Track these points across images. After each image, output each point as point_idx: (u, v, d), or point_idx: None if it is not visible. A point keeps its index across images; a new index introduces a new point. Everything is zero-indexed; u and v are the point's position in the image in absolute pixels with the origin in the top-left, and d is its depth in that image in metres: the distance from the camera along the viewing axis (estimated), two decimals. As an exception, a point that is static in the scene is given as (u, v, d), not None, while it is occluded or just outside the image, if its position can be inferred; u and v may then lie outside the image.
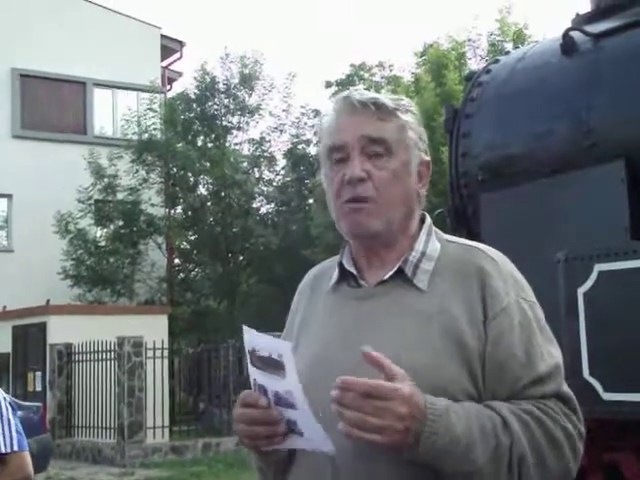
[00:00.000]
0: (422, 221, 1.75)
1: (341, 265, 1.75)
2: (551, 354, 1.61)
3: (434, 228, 1.75)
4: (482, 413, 1.49)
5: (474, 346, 1.57)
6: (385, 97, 1.70)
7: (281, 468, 1.72)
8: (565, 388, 1.60)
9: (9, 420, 3.09)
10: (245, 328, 1.55)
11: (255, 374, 1.55)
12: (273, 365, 1.49)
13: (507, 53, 5.83)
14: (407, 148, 1.68)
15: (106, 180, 19.57)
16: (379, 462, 1.52)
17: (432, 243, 1.70)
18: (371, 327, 1.63)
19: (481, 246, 1.71)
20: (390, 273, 1.67)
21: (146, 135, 19.97)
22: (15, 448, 3.04)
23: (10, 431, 3.06)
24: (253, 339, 1.53)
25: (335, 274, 1.76)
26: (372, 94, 1.69)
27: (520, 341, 1.58)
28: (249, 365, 1.56)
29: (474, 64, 19.05)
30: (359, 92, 1.70)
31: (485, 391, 1.56)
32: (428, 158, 1.73)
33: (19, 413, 11.05)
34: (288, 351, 1.46)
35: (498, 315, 1.59)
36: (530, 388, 1.56)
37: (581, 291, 4.10)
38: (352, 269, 1.73)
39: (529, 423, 1.51)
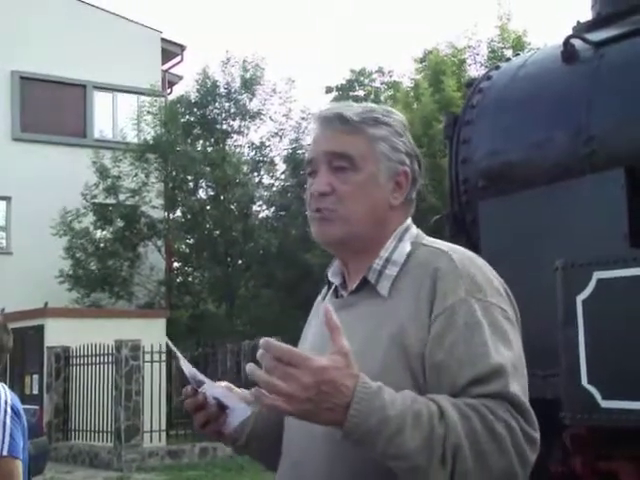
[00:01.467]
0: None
1: (327, 276, 1.82)
2: (499, 354, 1.54)
3: (414, 232, 1.75)
4: (420, 400, 1.47)
5: (417, 349, 1.57)
6: (354, 111, 1.72)
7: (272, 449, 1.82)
8: (513, 390, 1.51)
9: (4, 423, 2.96)
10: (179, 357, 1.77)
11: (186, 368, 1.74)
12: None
13: (507, 60, 5.84)
14: (375, 161, 1.70)
15: (109, 181, 19.61)
16: (322, 441, 1.58)
17: (400, 248, 1.70)
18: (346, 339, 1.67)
19: (447, 247, 1.69)
20: (357, 282, 1.71)
21: (148, 136, 20.00)
22: (4, 452, 2.88)
23: (3, 434, 2.93)
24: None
25: (326, 285, 1.84)
26: (340, 108, 1.73)
27: (461, 341, 1.54)
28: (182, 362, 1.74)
29: (474, 70, 19.09)
30: (330, 106, 1.76)
31: (427, 393, 1.54)
32: (405, 168, 1.73)
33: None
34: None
35: (440, 315, 1.58)
36: (470, 388, 1.51)
37: (580, 299, 4.10)
38: (335, 279, 1.79)
39: (470, 416, 1.46)
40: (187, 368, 1.71)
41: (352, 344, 1.58)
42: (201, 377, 1.71)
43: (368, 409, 1.42)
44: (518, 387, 1.53)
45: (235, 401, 1.69)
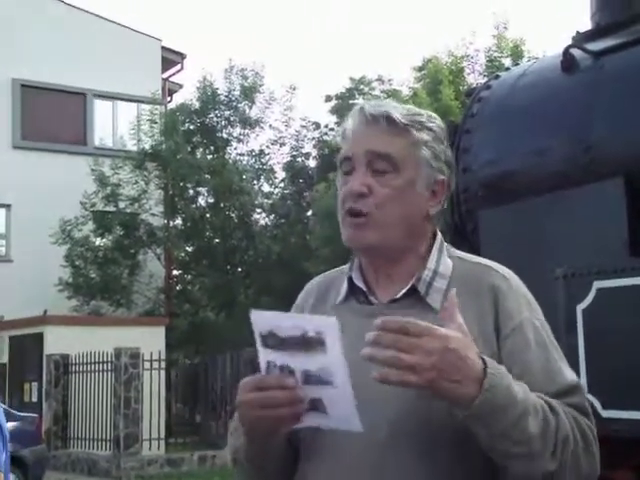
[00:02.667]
0: (434, 237, 1.74)
1: (350, 280, 1.73)
2: (570, 372, 1.62)
3: (445, 244, 1.73)
4: (530, 392, 1.49)
5: None
6: (400, 111, 1.66)
7: (281, 465, 1.67)
8: (587, 404, 1.59)
9: None
10: (255, 311, 1.51)
11: (271, 356, 1.49)
12: (304, 343, 1.43)
13: (507, 69, 5.85)
14: (416, 166, 1.65)
15: (109, 189, 19.63)
16: (411, 452, 1.52)
17: (444, 261, 1.68)
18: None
19: (492, 264, 1.71)
20: (403, 291, 1.65)
21: (147, 144, 20.03)
22: None
23: None
24: (270, 320, 1.49)
25: (343, 288, 1.74)
26: (387, 107, 1.67)
27: (536, 358, 1.58)
28: (261, 348, 1.49)
29: (472, 79, 19.14)
30: (375, 104, 1.69)
31: None
32: (444, 177, 1.69)
33: (14, 424, 10.92)
34: (332, 327, 1.42)
35: (512, 333, 1.59)
36: (556, 399, 1.54)
37: (580, 308, 4.10)
38: (362, 285, 1.71)
39: (568, 414, 1.51)
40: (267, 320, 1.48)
41: None
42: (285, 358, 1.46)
43: (500, 386, 1.42)
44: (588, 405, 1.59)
45: (345, 405, 1.46)
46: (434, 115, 1.74)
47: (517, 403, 1.42)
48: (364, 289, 1.70)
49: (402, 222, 1.64)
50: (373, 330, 1.51)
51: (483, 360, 1.43)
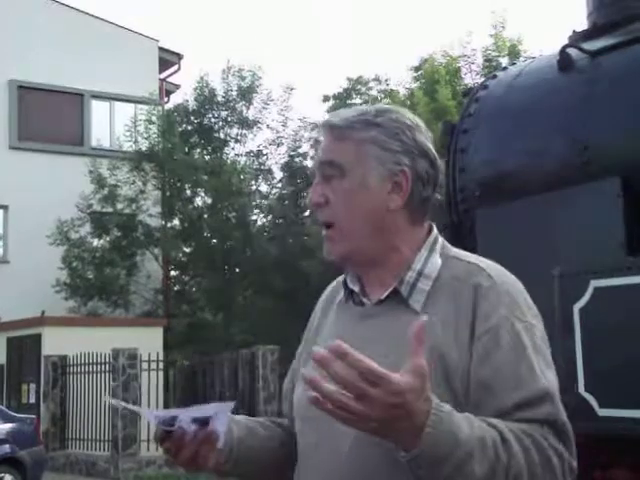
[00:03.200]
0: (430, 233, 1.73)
1: (345, 283, 1.76)
2: (546, 378, 1.53)
3: (440, 242, 1.71)
4: (482, 426, 1.43)
5: (457, 365, 1.54)
6: (343, 116, 1.69)
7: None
8: (562, 417, 1.51)
9: None
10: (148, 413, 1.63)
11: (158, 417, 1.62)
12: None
13: (504, 69, 5.85)
14: (364, 165, 1.65)
15: (106, 190, 19.62)
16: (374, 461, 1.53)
17: (432, 260, 1.66)
18: (367, 349, 1.59)
19: (483, 263, 1.66)
20: (386, 293, 1.66)
21: (145, 145, 20.03)
22: None
23: None
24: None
25: (342, 291, 1.78)
26: (332, 116, 1.71)
27: (506, 362, 1.52)
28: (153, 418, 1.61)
29: (469, 79, 19.15)
30: (330, 115, 1.74)
31: (467, 412, 1.50)
32: (403, 167, 1.65)
33: (12, 425, 10.96)
34: (226, 407, 1.56)
35: (484, 335, 1.55)
36: (518, 411, 1.48)
37: (577, 307, 4.11)
38: (355, 287, 1.73)
39: (528, 445, 1.44)
40: (152, 416, 1.60)
41: (388, 357, 1.54)
42: (170, 413, 1.59)
43: (441, 434, 1.35)
44: (563, 412, 1.51)
45: (212, 407, 1.58)
46: (388, 109, 1.72)
47: (460, 447, 1.36)
48: (356, 290, 1.72)
49: (363, 223, 1.65)
50: (361, 333, 1.59)
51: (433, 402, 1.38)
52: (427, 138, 1.71)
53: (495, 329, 1.55)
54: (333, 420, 1.38)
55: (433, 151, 1.71)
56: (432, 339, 1.55)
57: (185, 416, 1.57)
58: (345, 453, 1.55)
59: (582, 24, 5.30)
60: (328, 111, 25.70)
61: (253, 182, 22.34)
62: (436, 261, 1.66)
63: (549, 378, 1.54)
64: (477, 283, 1.60)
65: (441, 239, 1.72)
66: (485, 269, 1.63)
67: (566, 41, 5.11)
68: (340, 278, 1.88)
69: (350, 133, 1.66)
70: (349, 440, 1.54)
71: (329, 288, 1.90)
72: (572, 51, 4.85)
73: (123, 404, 1.75)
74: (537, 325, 1.62)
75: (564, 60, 4.83)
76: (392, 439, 1.37)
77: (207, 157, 21.68)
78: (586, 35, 5.08)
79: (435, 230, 1.72)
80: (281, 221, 22.81)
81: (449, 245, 1.73)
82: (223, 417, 1.58)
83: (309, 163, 23.95)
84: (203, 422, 1.57)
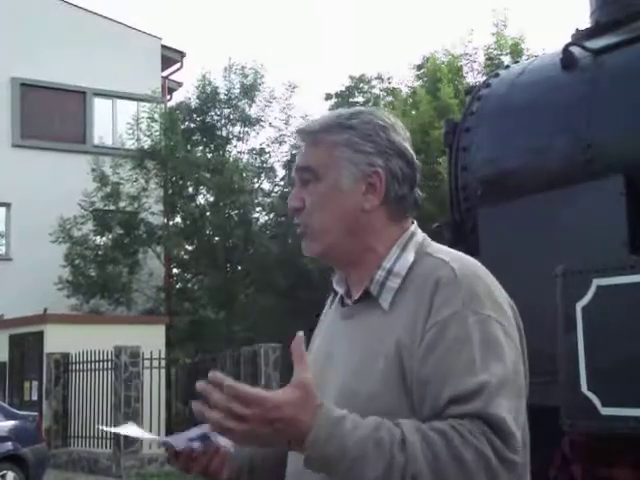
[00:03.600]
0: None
1: (332, 284, 1.81)
2: (486, 370, 1.48)
3: (419, 239, 1.70)
4: (384, 428, 1.43)
5: (411, 367, 1.53)
6: (317, 121, 1.74)
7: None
8: (493, 410, 1.44)
9: None
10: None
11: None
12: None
13: (507, 67, 5.85)
14: (337, 168, 1.67)
15: (109, 188, 19.64)
16: None
17: (403, 258, 1.66)
18: (343, 350, 1.67)
19: (449, 257, 1.63)
20: (359, 293, 1.69)
21: (147, 143, 20.04)
22: None
23: None
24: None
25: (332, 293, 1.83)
26: (304, 123, 1.81)
27: (448, 356, 1.49)
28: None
29: (471, 78, 19.14)
30: (308, 121, 1.83)
31: (417, 413, 1.51)
32: (377, 168, 1.66)
33: (15, 422, 10.91)
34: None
35: (431, 329, 1.53)
36: (449, 407, 1.46)
37: (579, 305, 4.10)
38: (340, 288, 1.77)
39: (435, 443, 1.41)
40: (159, 440, 1.70)
41: (352, 357, 1.60)
42: (174, 436, 1.70)
43: (326, 437, 1.41)
44: (504, 406, 1.46)
45: (204, 427, 1.65)
46: (360, 110, 1.73)
47: (348, 450, 1.40)
48: (341, 292, 1.76)
49: (337, 224, 1.67)
50: (339, 334, 1.67)
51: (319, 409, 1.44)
52: (404, 138, 1.71)
53: (443, 322, 1.52)
54: None
55: (410, 150, 1.72)
56: (394, 337, 1.56)
57: (189, 435, 1.67)
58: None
59: (585, 22, 5.30)
60: (330, 109, 25.71)
61: (255, 180, 22.34)
62: (407, 259, 1.65)
63: (493, 371, 1.48)
64: (438, 277, 1.58)
65: (421, 236, 1.71)
66: (449, 262, 1.60)
67: (569, 39, 5.11)
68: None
69: (323, 137, 1.70)
70: None
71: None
72: (575, 49, 4.85)
73: (138, 434, 1.85)
74: (498, 317, 1.55)
75: (567, 58, 4.83)
76: (284, 446, 1.47)
77: (209, 155, 21.68)
78: (589, 33, 5.08)
79: (412, 228, 1.71)
80: (283, 219, 22.81)
81: (430, 242, 1.71)
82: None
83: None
84: (204, 438, 1.66)
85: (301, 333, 1.48)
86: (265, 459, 1.81)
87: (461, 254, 1.68)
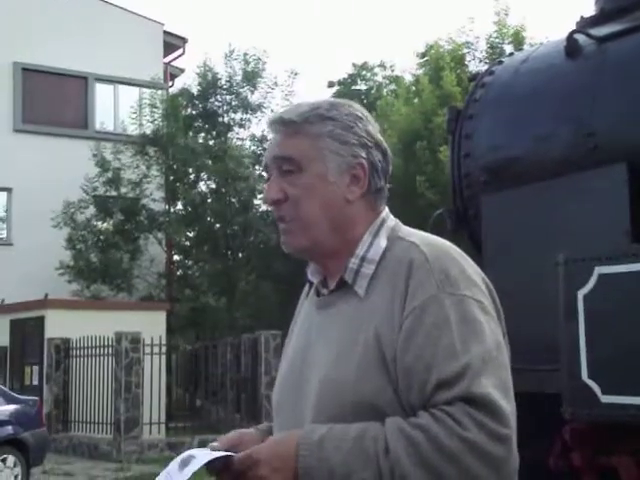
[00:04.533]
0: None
1: (307, 275, 1.80)
2: (467, 352, 1.49)
3: (390, 224, 1.70)
4: (367, 436, 1.46)
5: (392, 352, 1.53)
6: (295, 111, 1.69)
7: None
8: (475, 389, 1.46)
9: None
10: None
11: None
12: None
13: (510, 55, 5.83)
14: (322, 159, 1.66)
15: (110, 173, 19.63)
16: None
17: (376, 244, 1.66)
18: (321, 339, 1.66)
19: (419, 240, 1.63)
20: (335, 282, 1.68)
21: (149, 129, 20.00)
22: None
23: None
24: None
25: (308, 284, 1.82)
26: (280, 113, 1.72)
27: (429, 343, 1.50)
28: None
29: (473, 66, 19.07)
30: (280, 111, 1.75)
31: (402, 400, 1.51)
32: (360, 160, 1.67)
33: (15, 407, 10.92)
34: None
35: (409, 315, 1.53)
36: (436, 394, 1.47)
37: (581, 293, 4.10)
38: (315, 278, 1.76)
39: (418, 441, 1.44)
40: (209, 456, 1.62)
41: (331, 347, 1.60)
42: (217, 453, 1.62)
43: (312, 464, 1.47)
44: (487, 382, 1.47)
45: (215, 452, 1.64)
46: (339, 102, 1.73)
47: (336, 470, 1.46)
48: (316, 283, 1.76)
49: (323, 216, 1.65)
50: (316, 324, 1.69)
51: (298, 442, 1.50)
52: (377, 130, 1.73)
53: (420, 308, 1.53)
54: (299, 410, 1.59)
55: (384, 142, 1.73)
56: (372, 326, 1.56)
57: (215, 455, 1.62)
58: None
59: (589, 10, 5.28)
60: (334, 97, 25.66)
61: (257, 167, 22.32)
62: (379, 244, 1.66)
63: (473, 351, 1.49)
64: (410, 260, 1.58)
65: (393, 221, 1.71)
66: (419, 245, 1.60)
67: (572, 27, 5.09)
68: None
69: (305, 127, 1.67)
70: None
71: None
72: (579, 37, 4.83)
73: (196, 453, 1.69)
74: (474, 295, 1.56)
75: (571, 46, 4.81)
76: None
77: (211, 142, 21.65)
78: (593, 21, 5.06)
79: (383, 214, 1.72)
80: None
81: (402, 227, 1.71)
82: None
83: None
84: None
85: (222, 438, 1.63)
86: None
87: (432, 236, 1.68)
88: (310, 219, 1.65)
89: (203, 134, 22.02)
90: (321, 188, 1.65)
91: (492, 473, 1.44)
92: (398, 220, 1.73)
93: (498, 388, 1.48)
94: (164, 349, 15.39)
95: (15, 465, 10.43)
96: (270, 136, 1.75)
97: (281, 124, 1.69)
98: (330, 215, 1.65)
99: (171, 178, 20.74)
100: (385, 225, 1.69)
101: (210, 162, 20.37)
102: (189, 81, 22.65)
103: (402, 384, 1.51)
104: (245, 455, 1.50)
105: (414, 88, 19.64)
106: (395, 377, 1.51)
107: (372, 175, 1.68)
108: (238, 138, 22.13)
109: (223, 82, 21.57)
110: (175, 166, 20.47)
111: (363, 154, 1.67)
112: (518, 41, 18.55)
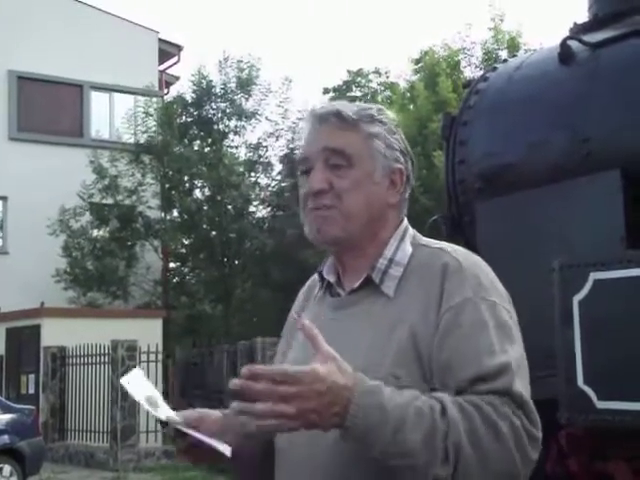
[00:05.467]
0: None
1: (321, 274, 1.79)
2: (505, 352, 1.54)
3: (411, 232, 1.75)
4: (422, 398, 1.46)
5: (428, 352, 1.56)
6: (349, 108, 1.71)
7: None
8: (517, 388, 1.51)
9: None
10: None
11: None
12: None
13: (504, 61, 5.85)
14: (372, 158, 1.69)
15: (107, 181, 19.63)
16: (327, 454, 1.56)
17: (403, 249, 1.70)
18: (344, 339, 1.63)
19: (449, 247, 1.69)
20: (359, 282, 1.69)
21: (144, 137, 20.01)
22: None
23: None
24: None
25: (319, 283, 1.82)
26: (335, 106, 1.72)
27: (467, 339, 1.54)
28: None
29: (468, 72, 19.13)
30: (326, 104, 1.75)
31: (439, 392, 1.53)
32: (400, 165, 1.72)
33: (11, 416, 10.88)
34: None
35: (447, 313, 1.57)
36: (475, 385, 1.50)
37: (576, 299, 4.11)
38: (330, 278, 1.76)
39: (472, 414, 1.45)
40: (163, 413, 1.67)
41: (359, 347, 1.59)
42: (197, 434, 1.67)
43: (367, 406, 1.41)
44: (522, 386, 1.52)
45: (210, 441, 1.66)
46: (383, 108, 1.78)
47: (390, 419, 1.41)
48: (332, 282, 1.76)
49: (364, 213, 1.68)
50: (336, 324, 1.64)
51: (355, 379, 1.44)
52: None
53: (457, 308, 1.57)
54: None
55: (411, 152, 1.79)
56: (407, 322, 1.59)
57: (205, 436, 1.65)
58: (325, 443, 1.56)
59: (583, 17, 5.29)
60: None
61: (253, 174, 22.32)
62: (407, 249, 1.71)
63: (510, 353, 1.54)
64: (444, 263, 1.63)
65: (412, 230, 1.77)
66: (450, 252, 1.67)
67: (567, 34, 5.10)
68: (314, 275, 1.90)
69: (360, 125, 1.70)
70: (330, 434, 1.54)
71: (307, 284, 1.94)
72: (573, 43, 4.84)
73: (142, 403, 1.80)
74: (502, 304, 1.62)
75: (565, 52, 4.83)
76: (331, 425, 1.42)
77: (207, 149, 21.65)
78: (587, 27, 5.08)
79: (405, 221, 1.77)
80: (281, 213, 22.79)
81: (420, 235, 1.77)
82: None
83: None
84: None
85: (305, 322, 1.49)
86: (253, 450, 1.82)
87: (456, 246, 1.73)
88: (352, 211, 1.67)
89: (198, 141, 22.03)
90: (367, 186, 1.68)
91: (523, 471, 1.48)
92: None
93: (528, 393, 1.54)
94: (160, 357, 15.36)
95: (11, 474, 10.40)
96: (310, 128, 1.74)
97: (337, 117, 1.70)
98: (370, 213, 1.68)
99: (167, 186, 20.74)
100: (408, 232, 1.74)
101: (205, 169, 20.37)
102: (184, 89, 22.69)
103: (437, 380, 1.53)
104: (300, 370, 1.41)
105: (409, 94, 19.67)
106: (430, 374, 1.54)
107: (406, 182, 1.74)
108: (231, 146, 22.11)
109: (217, 89, 21.59)
110: (170, 174, 20.47)
111: (402, 160, 1.73)
112: (514, 47, 18.60)
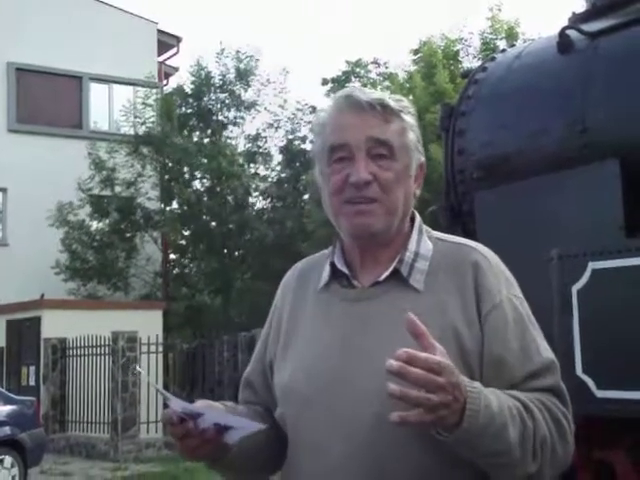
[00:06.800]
0: (412, 219, 1.75)
1: (333, 264, 1.73)
2: (546, 349, 1.63)
3: (424, 226, 1.76)
4: (505, 395, 1.51)
5: (471, 346, 1.58)
6: (389, 98, 1.68)
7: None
8: (562, 386, 1.61)
9: None
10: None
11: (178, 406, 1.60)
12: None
13: (503, 51, 5.83)
14: (408, 151, 1.68)
15: (104, 173, 19.61)
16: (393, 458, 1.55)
17: (424, 242, 1.70)
18: (371, 331, 1.62)
19: (471, 243, 1.72)
20: (386, 274, 1.66)
21: (143, 128, 19.98)
22: None
23: None
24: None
25: (326, 273, 1.74)
26: (378, 94, 1.67)
27: (515, 336, 1.60)
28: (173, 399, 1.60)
29: (467, 63, 19.08)
30: (362, 91, 1.67)
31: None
32: (423, 158, 1.74)
33: (12, 407, 10.89)
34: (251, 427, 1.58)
35: (492, 312, 1.61)
36: (527, 382, 1.57)
37: (575, 289, 4.11)
38: (344, 269, 1.71)
39: (542, 409, 1.53)
40: (178, 406, 1.57)
41: (389, 337, 1.56)
42: (197, 409, 1.58)
43: (479, 407, 1.43)
44: (561, 381, 1.61)
45: (237, 420, 1.60)
46: (409, 101, 1.77)
47: (495, 418, 1.44)
48: (347, 273, 1.71)
49: (402, 207, 1.68)
50: (359, 316, 1.62)
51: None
52: None
53: (499, 306, 1.61)
54: (343, 404, 1.51)
55: None
56: (444, 317, 1.60)
57: (210, 416, 1.57)
58: (363, 436, 1.54)
59: (581, 6, 5.28)
60: (327, 94, 25.64)
61: (252, 165, 22.31)
62: (427, 242, 1.71)
63: (548, 349, 1.63)
64: (474, 261, 1.65)
65: (423, 224, 1.78)
66: (476, 248, 1.70)
67: (565, 23, 5.09)
68: (299, 264, 1.87)
69: (402, 117, 1.68)
70: (366, 423, 1.54)
71: (295, 270, 1.88)
72: (571, 32, 4.83)
73: (157, 387, 1.76)
74: (525, 300, 1.69)
75: (563, 42, 4.81)
76: (447, 424, 1.41)
77: (206, 140, 21.64)
78: (585, 16, 5.06)
79: (418, 216, 1.77)
80: (280, 204, 22.79)
81: (428, 227, 1.77)
82: (243, 433, 1.58)
83: (308, 146, 23.91)
84: (221, 428, 1.57)
85: (411, 316, 1.46)
86: (249, 448, 1.74)
87: (473, 241, 1.77)
88: (395, 205, 1.66)
89: (197, 133, 22.01)
90: (405, 179, 1.68)
91: (571, 457, 1.59)
92: None
93: None
94: (161, 348, 15.39)
95: (12, 466, 10.42)
96: (347, 114, 1.65)
97: (382, 106, 1.64)
98: (406, 207, 1.69)
99: (166, 177, 20.73)
100: (423, 225, 1.75)
101: (205, 161, 20.36)
102: (183, 80, 22.66)
103: (489, 374, 1.56)
104: (442, 360, 1.40)
105: (407, 85, 19.63)
106: (474, 368, 1.57)
107: (423, 175, 1.75)
108: (231, 137, 22.10)
109: (216, 80, 21.56)
110: (170, 165, 20.46)
111: (423, 153, 1.74)
112: (512, 37, 18.55)
